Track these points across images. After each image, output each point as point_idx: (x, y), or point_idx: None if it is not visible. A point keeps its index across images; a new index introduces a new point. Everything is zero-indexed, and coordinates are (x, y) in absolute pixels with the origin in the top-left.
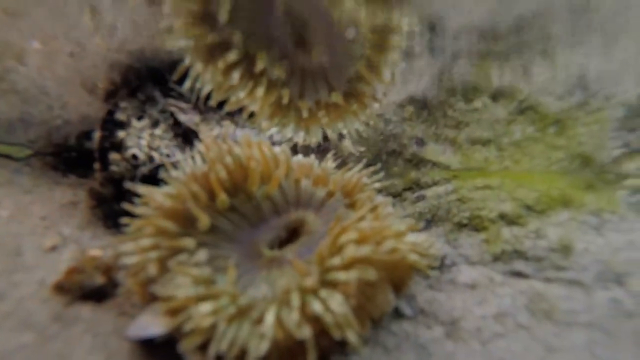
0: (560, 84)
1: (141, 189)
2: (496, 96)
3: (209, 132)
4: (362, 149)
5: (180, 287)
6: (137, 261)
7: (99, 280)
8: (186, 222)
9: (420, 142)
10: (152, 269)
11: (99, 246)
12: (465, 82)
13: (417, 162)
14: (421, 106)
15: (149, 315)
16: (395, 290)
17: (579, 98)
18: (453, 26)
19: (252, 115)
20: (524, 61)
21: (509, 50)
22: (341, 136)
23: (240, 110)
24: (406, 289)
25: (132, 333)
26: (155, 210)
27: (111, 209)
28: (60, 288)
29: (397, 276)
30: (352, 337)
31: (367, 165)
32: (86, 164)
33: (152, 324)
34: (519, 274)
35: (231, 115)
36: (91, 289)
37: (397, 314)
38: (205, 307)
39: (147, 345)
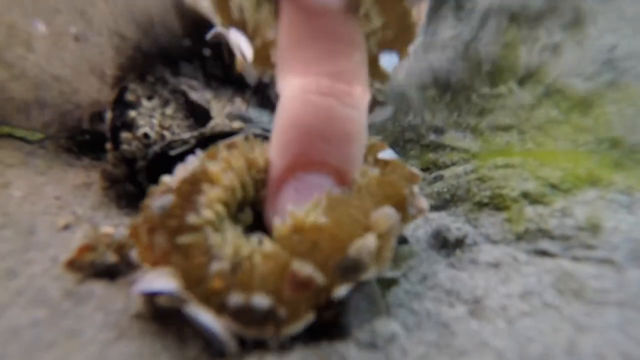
0: (589, 64)
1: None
2: (523, 79)
3: (221, 110)
4: (379, 137)
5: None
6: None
7: (112, 258)
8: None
9: (440, 131)
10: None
11: (111, 224)
12: (492, 64)
13: (435, 146)
14: (444, 88)
15: (158, 273)
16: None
17: (607, 77)
18: (481, 6)
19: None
20: (553, 40)
21: (539, 28)
22: None
23: (250, 87)
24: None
25: (142, 286)
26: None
27: (124, 189)
28: (72, 265)
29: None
30: None
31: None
32: (99, 147)
33: (162, 280)
34: (544, 253)
35: (242, 93)
36: (104, 267)
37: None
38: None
39: (159, 319)
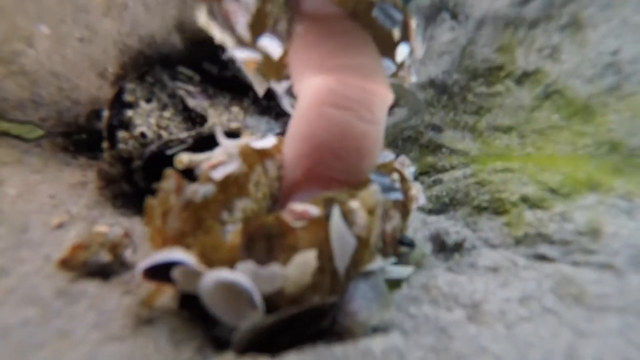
0: (590, 66)
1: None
2: (521, 79)
3: (219, 119)
4: None
5: None
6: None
7: (105, 257)
8: None
9: (438, 129)
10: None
11: (106, 224)
12: (488, 64)
13: (434, 147)
14: (441, 90)
15: (171, 249)
16: None
17: (610, 81)
18: (476, 14)
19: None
20: (552, 42)
21: (536, 31)
22: None
23: (248, 94)
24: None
25: (155, 259)
26: None
27: (120, 189)
28: (65, 264)
29: None
30: None
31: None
32: (96, 146)
33: (178, 253)
34: (544, 258)
35: (240, 101)
36: (97, 266)
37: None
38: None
39: (151, 323)
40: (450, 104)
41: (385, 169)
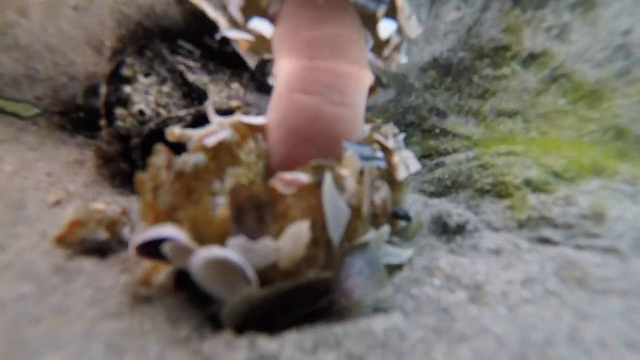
0: (600, 49)
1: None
2: (527, 61)
3: (218, 95)
4: (379, 120)
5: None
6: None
7: (103, 235)
8: None
9: (441, 114)
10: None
11: (104, 202)
12: (494, 44)
13: (437, 132)
14: (445, 71)
15: (162, 226)
16: None
17: (620, 66)
18: None
19: None
20: (561, 20)
21: (545, 10)
22: None
23: (248, 69)
24: None
25: (148, 234)
26: None
27: (117, 167)
28: (62, 241)
29: None
30: None
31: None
32: (94, 124)
33: (170, 229)
34: (547, 241)
35: (240, 77)
36: (94, 244)
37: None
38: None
39: (147, 300)
40: (455, 86)
41: (365, 142)
